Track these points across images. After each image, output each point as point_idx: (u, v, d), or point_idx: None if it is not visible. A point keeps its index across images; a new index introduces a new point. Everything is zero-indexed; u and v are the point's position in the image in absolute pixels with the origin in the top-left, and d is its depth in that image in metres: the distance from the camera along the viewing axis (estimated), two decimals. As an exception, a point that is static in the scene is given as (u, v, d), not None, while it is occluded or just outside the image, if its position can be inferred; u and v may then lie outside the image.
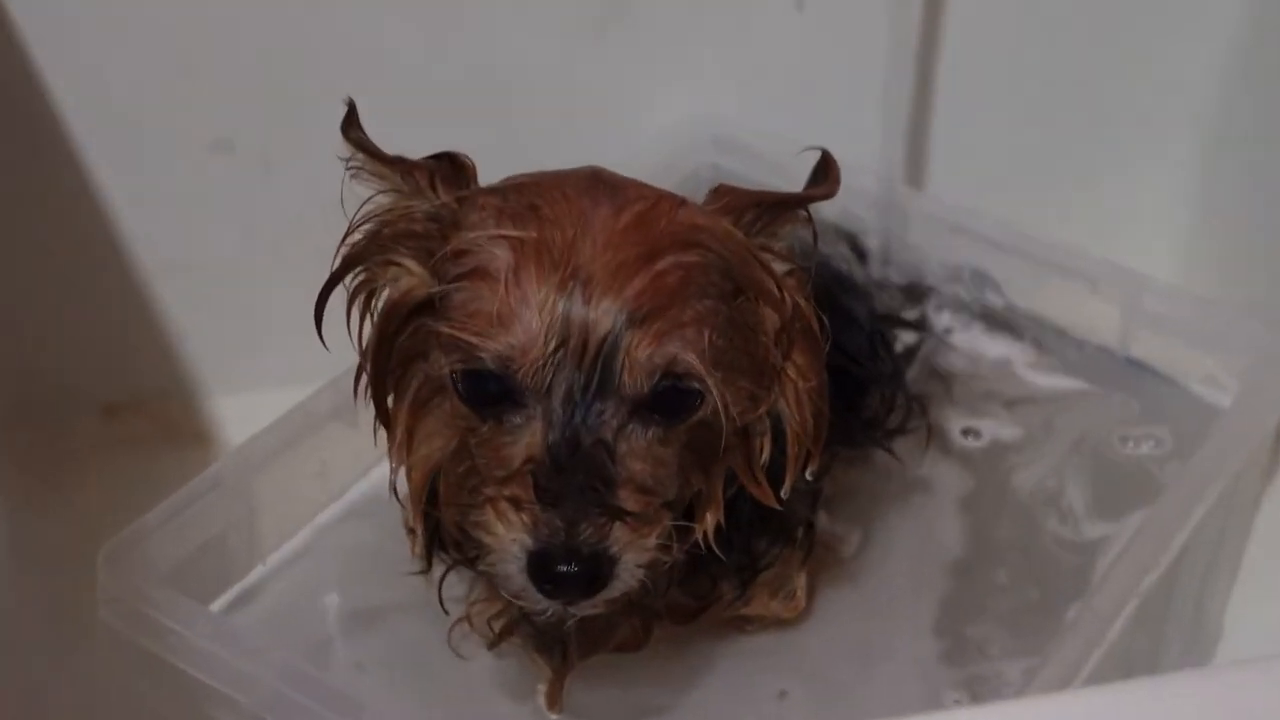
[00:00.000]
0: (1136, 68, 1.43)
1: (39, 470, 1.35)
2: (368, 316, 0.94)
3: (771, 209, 0.92)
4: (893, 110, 1.39)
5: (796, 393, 0.93)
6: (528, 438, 0.87)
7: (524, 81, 1.37)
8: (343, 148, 0.92)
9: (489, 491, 0.87)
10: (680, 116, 1.39)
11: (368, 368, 0.94)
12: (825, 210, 1.00)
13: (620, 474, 0.86)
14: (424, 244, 0.90)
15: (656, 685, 1.03)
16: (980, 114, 1.43)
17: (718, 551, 0.96)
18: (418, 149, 0.93)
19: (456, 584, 1.02)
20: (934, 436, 1.19)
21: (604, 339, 0.85)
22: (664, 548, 0.88)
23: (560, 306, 0.84)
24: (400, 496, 0.97)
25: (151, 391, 1.42)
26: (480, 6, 1.35)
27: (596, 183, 0.90)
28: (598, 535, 0.85)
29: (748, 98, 1.41)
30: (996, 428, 1.23)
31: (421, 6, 1.34)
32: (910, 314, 1.27)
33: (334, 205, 0.92)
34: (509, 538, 0.85)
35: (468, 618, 1.03)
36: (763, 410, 0.92)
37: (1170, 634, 1.15)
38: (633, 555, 0.86)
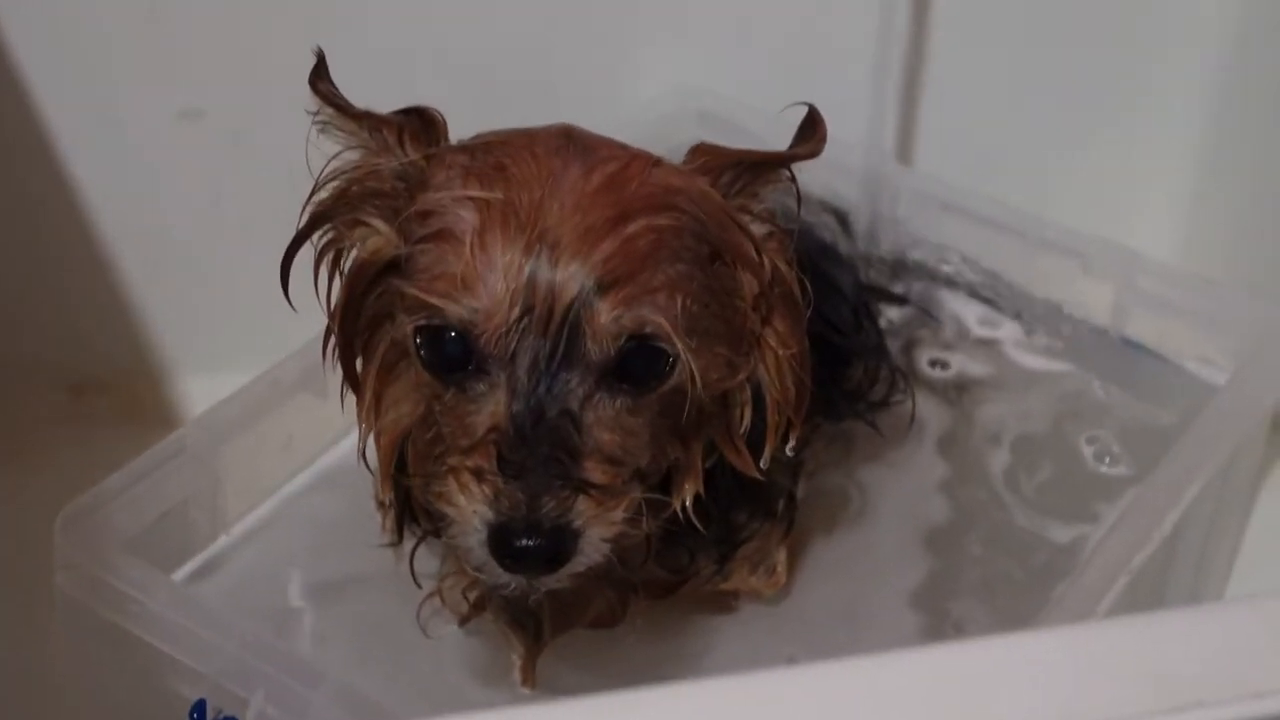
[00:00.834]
0: (1134, 42, 1.43)
1: (1, 448, 1.35)
2: (335, 277, 0.93)
3: (752, 169, 0.91)
4: (882, 85, 1.38)
5: (777, 360, 0.92)
6: (491, 406, 0.86)
7: (503, 52, 1.36)
8: (313, 103, 0.92)
9: (452, 461, 0.86)
10: (664, 89, 1.38)
11: (335, 330, 0.93)
12: (810, 185, 0.99)
13: (586, 445, 0.85)
14: (391, 203, 0.90)
15: (633, 661, 1.03)
16: (973, 89, 1.43)
17: (696, 523, 0.95)
18: (392, 115, 0.92)
19: (426, 558, 1.02)
20: (917, 410, 1.18)
21: (570, 304, 0.83)
22: (632, 521, 0.87)
23: (526, 270, 0.83)
24: (369, 464, 0.96)
25: (118, 370, 1.42)
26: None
27: (568, 142, 0.89)
28: (560, 508, 0.84)
29: (734, 70, 1.41)
30: (984, 408, 1.23)
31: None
32: (897, 289, 1.26)
33: (304, 178, 0.92)
34: (470, 509, 0.85)
35: (439, 592, 1.02)
36: (741, 378, 0.92)
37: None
38: (597, 529, 0.85)
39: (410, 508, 0.98)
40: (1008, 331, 1.29)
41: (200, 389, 1.40)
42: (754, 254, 0.90)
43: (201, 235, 1.39)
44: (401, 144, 0.90)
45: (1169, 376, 1.25)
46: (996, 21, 1.42)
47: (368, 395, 0.94)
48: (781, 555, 1.08)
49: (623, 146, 0.91)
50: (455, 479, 0.85)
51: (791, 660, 1.04)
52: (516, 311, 0.84)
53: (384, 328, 0.92)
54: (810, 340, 0.93)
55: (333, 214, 0.91)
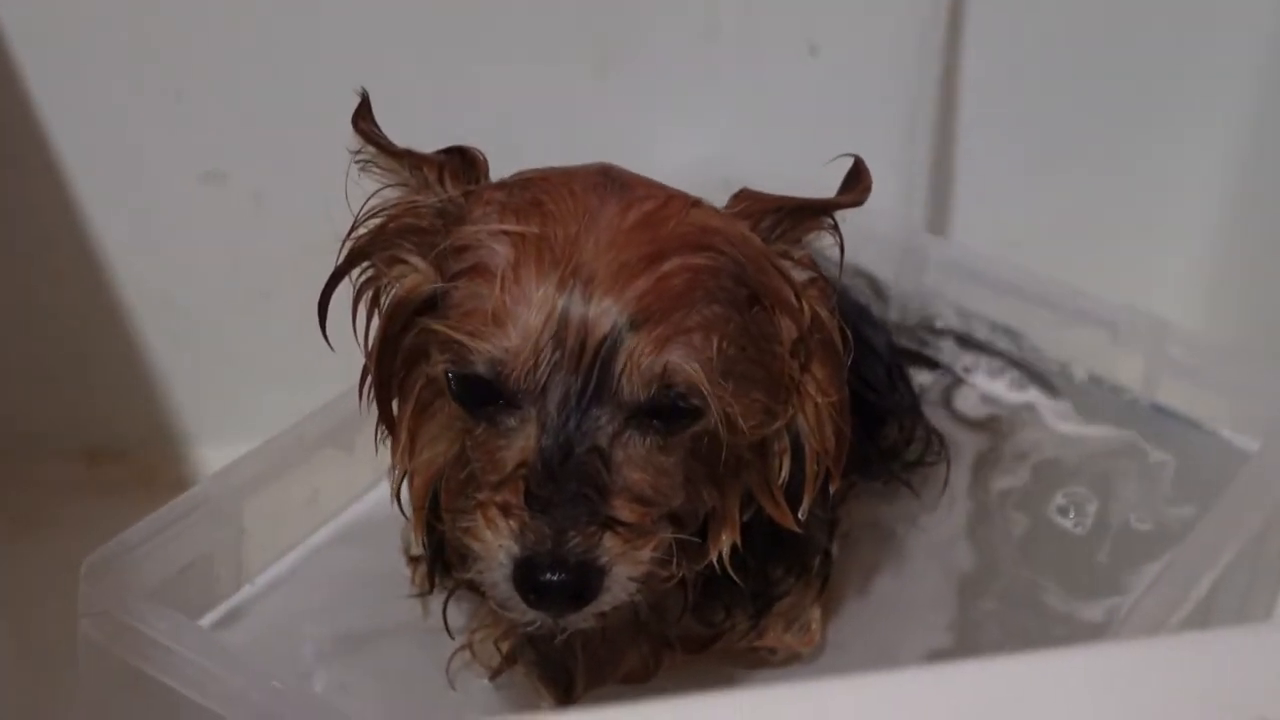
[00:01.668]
0: (1161, 115, 1.45)
1: (15, 516, 1.34)
2: (374, 316, 0.94)
3: (794, 214, 0.92)
4: (913, 156, 1.40)
5: (816, 409, 0.92)
6: (521, 441, 0.86)
7: (526, 123, 1.37)
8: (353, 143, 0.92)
9: (481, 496, 0.87)
10: (689, 159, 1.39)
11: (372, 369, 0.93)
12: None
13: (615, 482, 0.86)
14: (429, 239, 0.90)
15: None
16: (1001, 160, 1.45)
17: (733, 575, 0.95)
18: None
19: (455, 614, 1.02)
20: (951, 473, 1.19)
21: (602, 341, 0.84)
22: (661, 562, 0.87)
23: (559, 305, 0.84)
24: (403, 506, 0.96)
25: (134, 439, 1.42)
26: (482, 46, 1.37)
27: (605, 179, 0.90)
28: (586, 544, 0.84)
29: (760, 140, 1.42)
30: (1013, 473, 1.23)
31: (422, 45, 1.36)
32: (929, 354, 1.28)
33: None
34: (496, 544, 0.85)
35: (470, 645, 1.02)
36: (779, 425, 0.92)
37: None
38: (624, 567, 0.85)
39: (443, 556, 0.98)
40: (1037, 397, 1.29)
41: (218, 458, 1.38)
42: (793, 299, 0.90)
43: (221, 301, 1.40)
44: (441, 181, 0.91)
45: (1201, 442, 1.25)
46: (1025, 95, 1.44)
47: (403, 435, 0.94)
48: (816, 613, 1.07)
49: (661, 186, 0.92)
50: (483, 514, 0.86)
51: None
52: (548, 346, 0.84)
53: (420, 366, 0.92)
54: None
55: (371, 250, 0.92)
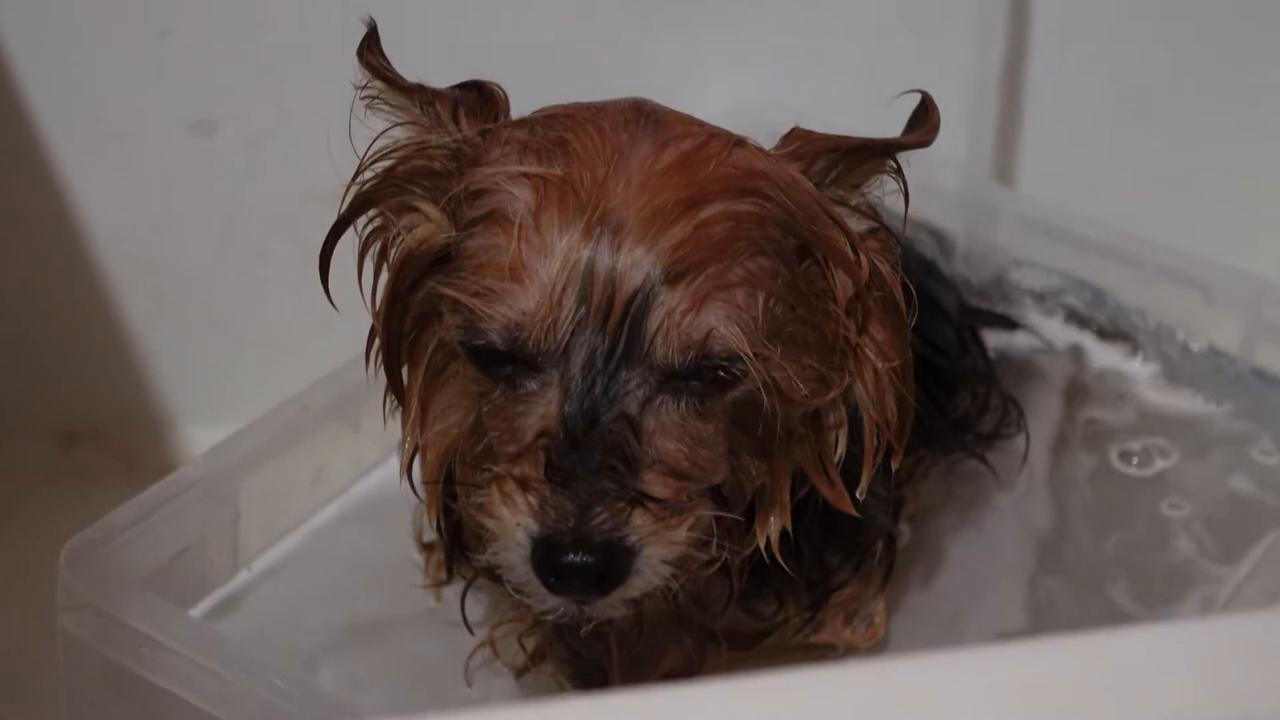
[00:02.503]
0: (1262, 52, 1.44)
1: (-17, 504, 1.35)
2: (381, 270, 0.93)
3: (851, 155, 0.90)
4: (980, 99, 1.39)
5: (876, 375, 0.91)
6: (542, 408, 0.85)
7: (550, 57, 1.37)
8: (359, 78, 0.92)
9: (497, 469, 0.86)
10: (731, 103, 1.39)
11: (380, 331, 0.93)
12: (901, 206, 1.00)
13: (646, 453, 0.85)
14: (442, 184, 0.90)
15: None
16: (1078, 106, 1.44)
17: (783, 563, 0.94)
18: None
19: (474, 606, 1.02)
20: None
21: (633, 296, 0.83)
22: (700, 543, 0.86)
23: (584, 256, 0.83)
24: (414, 483, 0.96)
25: (114, 419, 1.43)
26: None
27: (638, 116, 0.89)
28: (613, 522, 0.83)
29: (810, 83, 1.42)
30: (1098, 447, 1.23)
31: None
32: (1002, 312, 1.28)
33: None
34: (513, 521, 0.84)
35: (491, 642, 1.02)
36: (834, 394, 0.90)
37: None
38: (657, 548, 0.84)
39: (461, 540, 0.98)
40: (1123, 363, 1.30)
41: (206, 440, 1.38)
42: (850, 251, 0.89)
43: (210, 265, 1.40)
44: (456, 119, 0.90)
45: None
46: (1102, 27, 1.43)
47: (414, 404, 0.94)
48: (879, 605, 1.07)
49: (700, 123, 0.90)
50: (499, 488, 0.85)
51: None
52: (572, 301, 0.83)
53: (432, 327, 0.92)
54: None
55: (378, 197, 0.91)
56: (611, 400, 0.84)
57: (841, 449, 0.93)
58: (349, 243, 0.93)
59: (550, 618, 0.89)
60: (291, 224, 1.28)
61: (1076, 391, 1.27)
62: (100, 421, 1.42)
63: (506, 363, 0.86)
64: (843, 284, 0.89)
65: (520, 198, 0.85)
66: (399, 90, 0.91)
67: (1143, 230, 1.31)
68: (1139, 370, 1.29)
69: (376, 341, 0.93)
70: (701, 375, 0.85)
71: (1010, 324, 1.27)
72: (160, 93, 1.34)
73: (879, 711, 0.62)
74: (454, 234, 0.88)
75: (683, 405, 0.86)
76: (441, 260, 0.89)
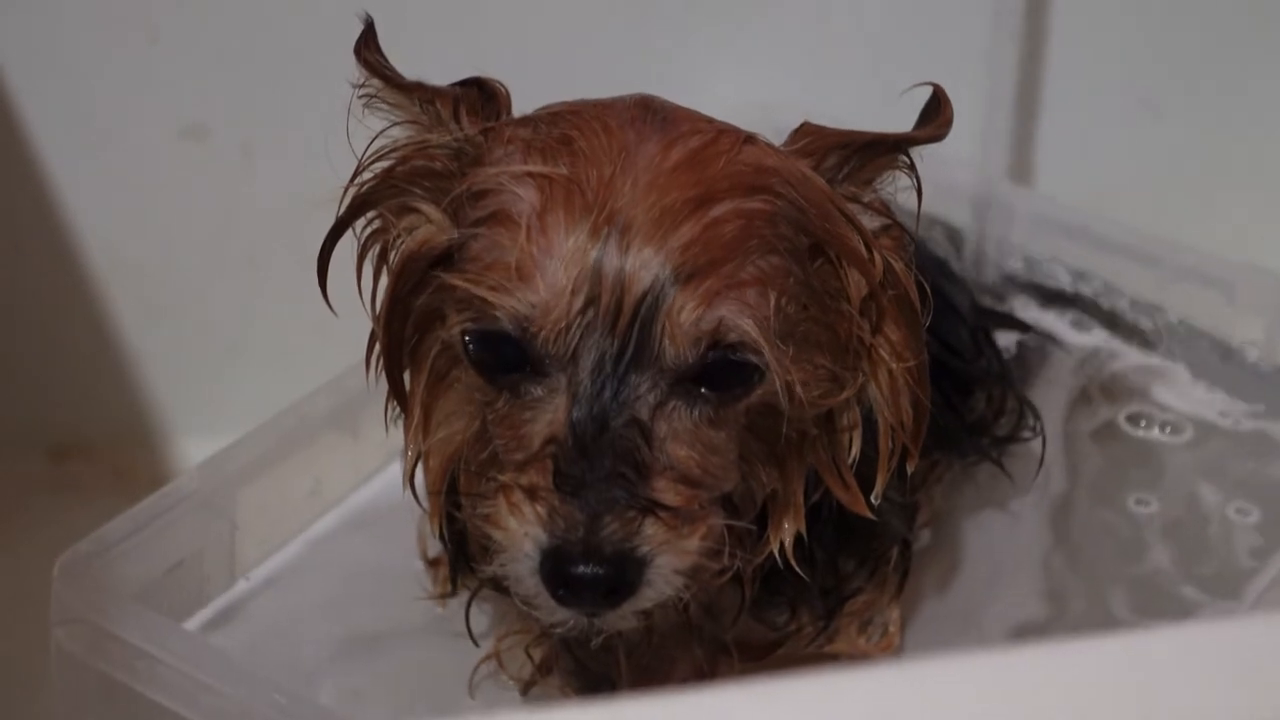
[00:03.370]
0: (1277, 47, 1.44)
1: (-30, 520, 1.36)
2: (382, 274, 0.94)
3: (863, 151, 0.91)
4: (996, 96, 1.40)
5: (890, 376, 0.92)
6: (549, 414, 0.86)
7: (553, 54, 1.38)
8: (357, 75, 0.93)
9: (504, 478, 0.86)
10: (740, 102, 1.39)
11: (380, 335, 0.93)
12: (912, 203, 1.00)
13: (658, 460, 0.85)
14: (444, 184, 0.90)
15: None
16: (1095, 102, 1.44)
17: (797, 569, 0.95)
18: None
19: (479, 617, 1.02)
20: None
21: (642, 297, 0.83)
22: (712, 552, 0.87)
23: (592, 257, 0.83)
24: (416, 492, 0.97)
25: (105, 431, 1.43)
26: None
27: (645, 113, 0.90)
28: (624, 532, 0.83)
29: (821, 81, 1.42)
30: (1118, 449, 1.24)
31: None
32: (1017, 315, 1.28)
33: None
34: (521, 532, 0.84)
35: (496, 654, 1.02)
36: (848, 395, 0.91)
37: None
38: (669, 558, 0.84)
39: (465, 551, 0.98)
40: (1143, 364, 1.30)
41: (199, 453, 1.38)
42: (863, 249, 0.90)
43: (203, 273, 1.40)
44: (457, 118, 0.91)
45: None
46: (1120, 26, 1.44)
47: (416, 410, 0.94)
48: (895, 613, 1.08)
49: (709, 120, 0.91)
50: (505, 498, 0.85)
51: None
52: (579, 304, 0.84)
53: (434, 331, 0.92)
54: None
55: (378, 198, 0.92)
56: (621, 405, 0.84)
57: (856, 450, 0.93)
58: (347, 247, 0.94)
59: (559, 630, 0.90)
60: (286, 229, 1.28)
61: (1093, 392, 1.27)
62: (91, 434, 1.42)
63: (512, 369, 0.86)
64: (856, 283, 0.90)
65: (525, 198, 0.85)
66: (397, 88, 0.92)
67: (1162, 229, 1.32)
68: (1159, 370, 1.30)
69: (377, 347, 0.94)
70: (714, 379, 0.86)
71: (1024, 325, 1.28)
72: (151, 96, 1.34)
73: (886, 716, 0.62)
74: (456, 235, 0.88)
75: (695, 411, 0.86)
76: (443, 262, 0.90)
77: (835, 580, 1.03)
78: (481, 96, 0.92)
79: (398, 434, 0.97)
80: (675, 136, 0.88)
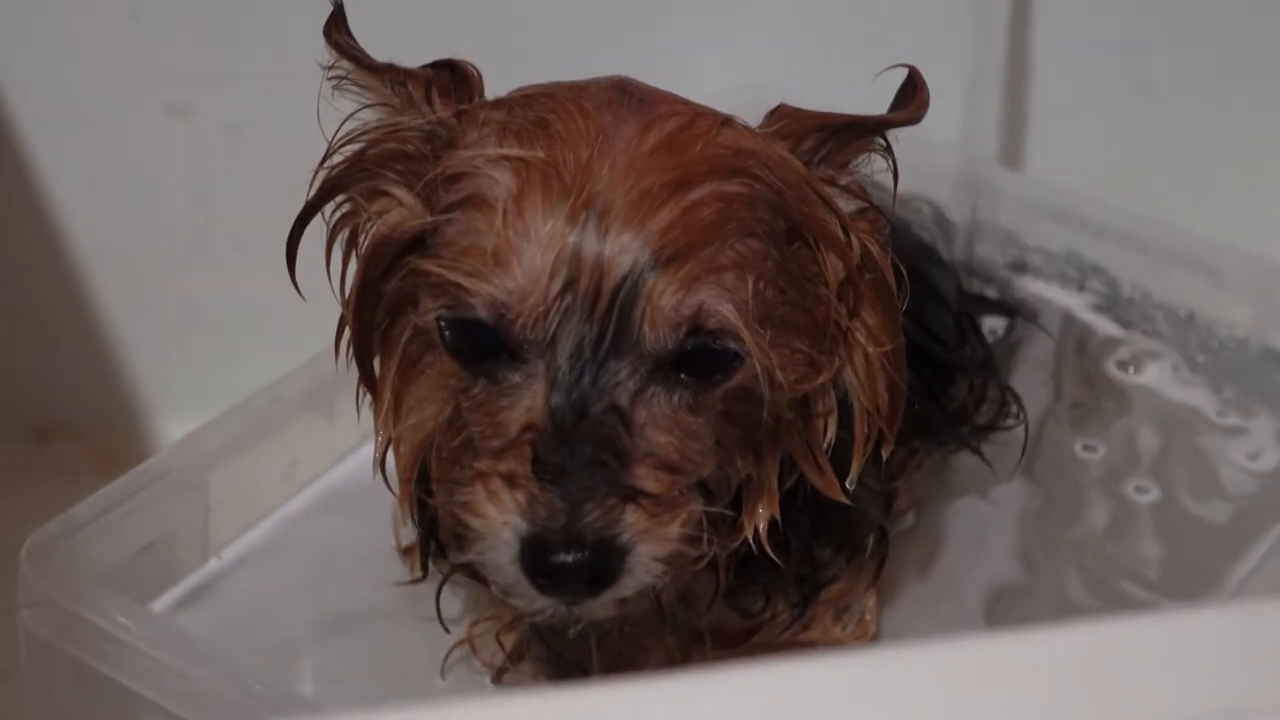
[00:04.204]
0: (1269, 33, 1.44)
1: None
2: (351, 258, 0.94)
3: (839, 134, 0.91)
4: (983, 79, 1.39)
5: (866, 360, 0.92)
6: (527, 401, 0.85)
7: (528, 35, 1.37)
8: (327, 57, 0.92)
9: (481, 466, 0.86)
10: (721, 86, 1.39)
11: (350, 320, 0.93)
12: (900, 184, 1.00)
13: (637, 447, 0.85)
14: (416, 167, 0.90)
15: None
16: (1081, 83, 1.44)
17: (772, 555, 0.94)
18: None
19: (451, 600, 1.02)
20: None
21: (621, 281, 0.83)
22: (691, 539, 0.86)
23: (570, 241, 0.83)
24: (388, 478, 0.96)
25: (87, 413, 1.43)
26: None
27: (622, 95, 0.90)
28: (605, 520, 0.83)
29: (803, 64, 1.42)
30: (1102, 437, 1.23)
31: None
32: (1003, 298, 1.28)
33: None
34: (500, 520, 0.84)
35: (469, 640, 1.02)
36: (824, 379, 0.91)
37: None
38: (649, 545, 0.84)
39: (436, 537, 0.98)
40: (1129, 350, 1.30)
41: (182, 434, 1.40)
42: (840, 233, 0.90)
43: (186, 255, 1.40)
44: (429, 100, 0.90)
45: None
46: (1109, 8, 1.43)
47: (386, 396, 0.94)
48: (870, 601, 1.07)
49: (686, 102, 0.91)
50: (484, 485, 0.85)
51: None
52: (557, 289, 0.83)
53: (405, 315, 0.92)
54: (907, 349, 0.93)
55: (348, 182, 0.92)
56: (601, 391, 0.84)
57: (831, 435, 0.93)
58: (322, 231, 0.93)
59: (538, 619, 0.89)
60: (269, 213, 1.26)
61: (1080, 377, 1.27)
62: (74, 416, 1.43)
63: (489, 356, 0.86)
64: (833, 266, 0.90)
65: (501, 181, 0.85)
66: (368, 70, 0.91)
67: (1151, 214, 1.32)
68: (1146, 353, 1.30)
69: (347, 331, 0.94)
70: (693, 365, 0.85)
71: (1011, 311, 1.27)
72: (131, 76, 1.34)
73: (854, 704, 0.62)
74: (429, 220, 0.88)
75: (675, 397, 0.86)
76: (416, 248, 0.89)
77: (811, 568, 1.02)
78: (454, 78, 0.92)
79: (370, 418, 0.97)
80: (653, 119, 0.88)
